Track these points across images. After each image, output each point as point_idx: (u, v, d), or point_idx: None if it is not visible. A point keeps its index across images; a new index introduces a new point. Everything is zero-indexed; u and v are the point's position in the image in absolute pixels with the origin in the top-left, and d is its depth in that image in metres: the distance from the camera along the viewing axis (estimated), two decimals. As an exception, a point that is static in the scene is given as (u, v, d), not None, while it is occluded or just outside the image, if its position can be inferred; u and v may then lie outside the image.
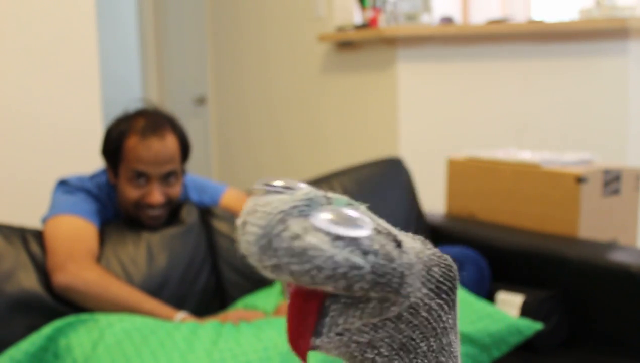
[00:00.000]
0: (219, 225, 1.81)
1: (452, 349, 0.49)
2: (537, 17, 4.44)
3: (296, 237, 0.44)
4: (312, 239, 0.43)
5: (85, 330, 1.43)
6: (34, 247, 1.60)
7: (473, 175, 2.30)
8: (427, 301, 0.47)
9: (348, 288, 0.43)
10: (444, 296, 0.48)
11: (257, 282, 1.79)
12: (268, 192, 0.49)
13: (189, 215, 1.77)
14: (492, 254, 1.96)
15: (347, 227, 0.45)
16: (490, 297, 1.86)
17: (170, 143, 1.65)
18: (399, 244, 0.47)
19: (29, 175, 2.35)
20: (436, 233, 2.16)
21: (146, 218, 1.69)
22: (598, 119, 3.09)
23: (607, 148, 2.96)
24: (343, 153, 3.36)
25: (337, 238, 0.44)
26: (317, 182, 2.04)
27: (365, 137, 3.28)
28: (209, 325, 1.48)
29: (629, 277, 1.70)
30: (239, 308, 1.68)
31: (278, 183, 0.49)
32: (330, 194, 0.48)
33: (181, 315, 1.55)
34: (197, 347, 1.39)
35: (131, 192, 1.66)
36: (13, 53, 2.33)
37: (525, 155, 2.21)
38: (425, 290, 0.47)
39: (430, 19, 3.26)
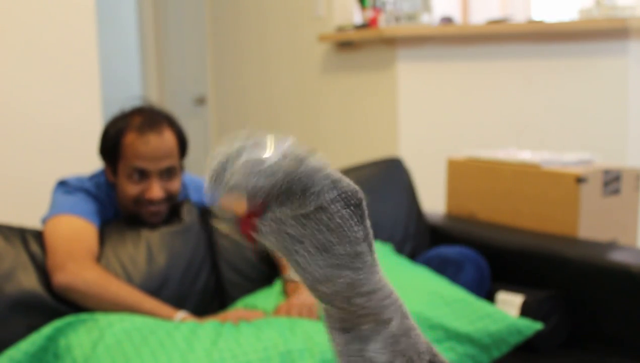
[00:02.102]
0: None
1: (365, 259, 0.63)
2: (537, 17, 4.44)
3: (238, 154, 0.61)
4: (248, 156, 0.61)
5: (85, 330, 1.43)
6: (34, 247, 1.60)
7: (473, 175, 2.30)
8: (338, 207, 0.62)
9: (270, 190, 0.60)
10: (352, 207, 0.62)
11: (257, 282, 1.79)
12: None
13: (189, 215, 1.77)
14: (492, 254, 1.96)
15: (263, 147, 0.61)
16: (490, 297, 1.86)
17: (167, 138, 1.66)
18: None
19: (29, 175, 2.35)
20: (436, 233, 2.16)
21: (147, 215, 1.69)
22: (598, 118, 3.09)
23: (607, 148, 2.96)
24: (343, 153, 3.36)
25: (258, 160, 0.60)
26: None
27: (365, 137, 3.28)
28: (209, 325, 1.48)
29: (629, 277, 1.70)
30: (239, 308, 1.68)
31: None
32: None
33: (181, 315, 1.55)
34: (197, 347, 1.39)
35: (131, 189, 1.66)
36: (13, 53, 2.33)
37: (525, 155, 2.21)
38: (334, 193, 0.61)
39: (430, 19, 3.26)
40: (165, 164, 1.65)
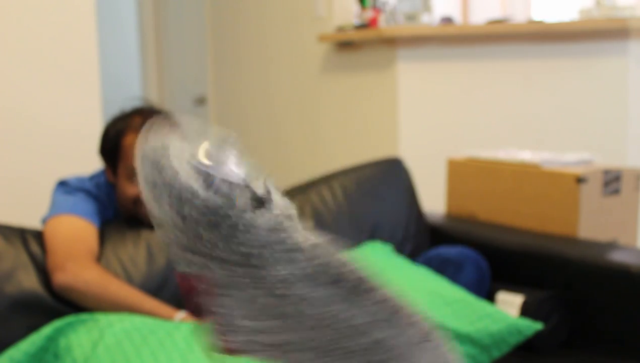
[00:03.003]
0: (219, 225, 1.81)
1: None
2: (537, 17, 4.44)
3: (162, 157, 0.52)
4: (174, 162, 0.51)
5: (85, 330, 1.43)
6: (34, 247, 1.60)
7: (473, 175, 2.30)
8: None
9: (180, 209, 0.50)
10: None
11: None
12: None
13: (189, 215, 1.77)
14: (492, 254, 1.96)
15: (214, 163, 0.51)
16: (490, 297, 1.86)
17: None
18: (261, 202, 0.51)
19: (29, 176, 2.35)
20: (436, 233, 2.16)
21: (146, 215, 1.69)
22: (598, 118, 3.09)
23: (607, 148, 2.96)
24: (343, 153, 3.36)
25: (198, 169, 0.50)
26: (316, 182, 2.04)
27: (365, 137, 3.28)
28: (209, 325, 1.48)
29: (629, 277, 1.70)
30: (239, 308, 1.68)
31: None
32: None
33: (181, 315, 1.55)
34: (197, 347, 1.39)
35: (130, 189, 1.66)
36: (13, 53, 2.33)
37: (525, 155, 2.21)
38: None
39: (430, 19, 3.26)
40: None
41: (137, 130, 1.64)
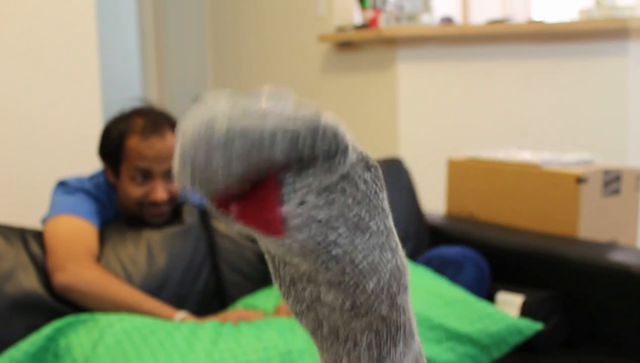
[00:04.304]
0: (219, 225, 1.81)
1: (396, 237, 0.50)
2: (537, 17, 4.44)
3: (231, 118, 0.43)
4: (245, 120, 0.43)
5: (85, 330, 1.43)
6: (34, 247, 1.60)
7: (473, 175, 2.30)
8: (360, 172, 0.48)
9: (290, 149, 0.44)
10: (372, 170, 0.49)
11: (257, 282, 1.79)
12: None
13: (189, 215, 1.77)
14: (492, 254, 1.96)
15: (270, 99, 0.45)
16: (490, 297, 1.86)
17: (170, 141, 1.65)
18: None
19: (29, 176, 2.35)
20: (436, 233, 2.16)
21: (150, 216, 1.69)
22: (598, 119, 3.09)
23: (607, 148, 2.96)
24: (343, 153, 3.35)
25: (264, 110, 0.44)
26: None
27: (365, 138, 3.28)
28: (209, 325, 1.48)
29: (629, 277, 1.70)
30: (238, 308, 1.68)
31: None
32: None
33: (181, 315, 1.55)
34: (197, 347, 1.39)
35: (134, 191, 1.66)
36: (13, 54, 2.33)
37: (525, 155, 2.21)
38: (354, 157, 0.47)
39: (430, 19, 3.26)
40: (168, 165, 1.65)
41: (140, 133, 1.64)
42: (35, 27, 2.35)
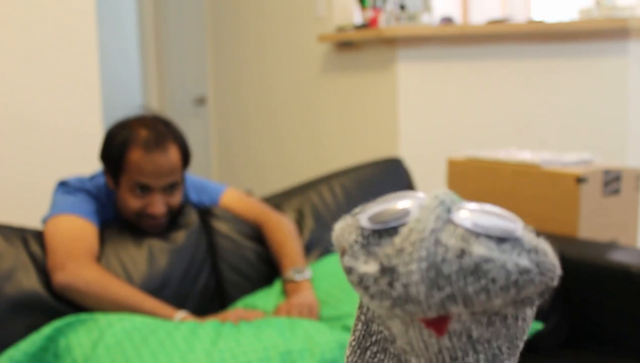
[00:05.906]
0: (219, 226, 1.81)
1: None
2: (537, 17, 4.44)
3: (462, 253, 0.39)
4: (478, 250, 0.39)
5: (85, 330, 1.43)
6: (34, 247, 1.60)
7: (473, 175, 2.30)
8: (529, 307, 0.43)
9: (516, 296, 0.39)
10: (534, 307, 0.44)
11: (257, 282, 1.79)
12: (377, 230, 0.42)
13: (189, 216, 1.77)
14: (492, 254, 1.96)
15: (502, 225, 0.40)
16: (490, 297, 1.86)
17: (172, 156, 1.65)
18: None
19: (29, 176, 2.35)
20: (436, 234, 2.15)
21: (148, 227, 1.69)
22: (598, 119, 3.09)
23: (607, 148, 2.96)
24: (343, 153, 3.36)
25: (501, 240, 0.39)
26: (316, 182, 2.04)
27: (365, 137, 3.28)
28: (209, 324, 1.48)
29: (629, 277, 1.70)
30: (238, 308, 1.68)
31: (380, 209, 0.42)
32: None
33: (181, 314, 1.55)
34: (197, 347, 1.39)
35: (133, 203, 1.66)
36: (13, 54, 2.33)
37: (525, 155, 2.21)
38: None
39: (430, 19, 3.26)
40: (168, 180, 1.65)
41: (143, 146, 1.63)
42: (35, 27, 2.35)
